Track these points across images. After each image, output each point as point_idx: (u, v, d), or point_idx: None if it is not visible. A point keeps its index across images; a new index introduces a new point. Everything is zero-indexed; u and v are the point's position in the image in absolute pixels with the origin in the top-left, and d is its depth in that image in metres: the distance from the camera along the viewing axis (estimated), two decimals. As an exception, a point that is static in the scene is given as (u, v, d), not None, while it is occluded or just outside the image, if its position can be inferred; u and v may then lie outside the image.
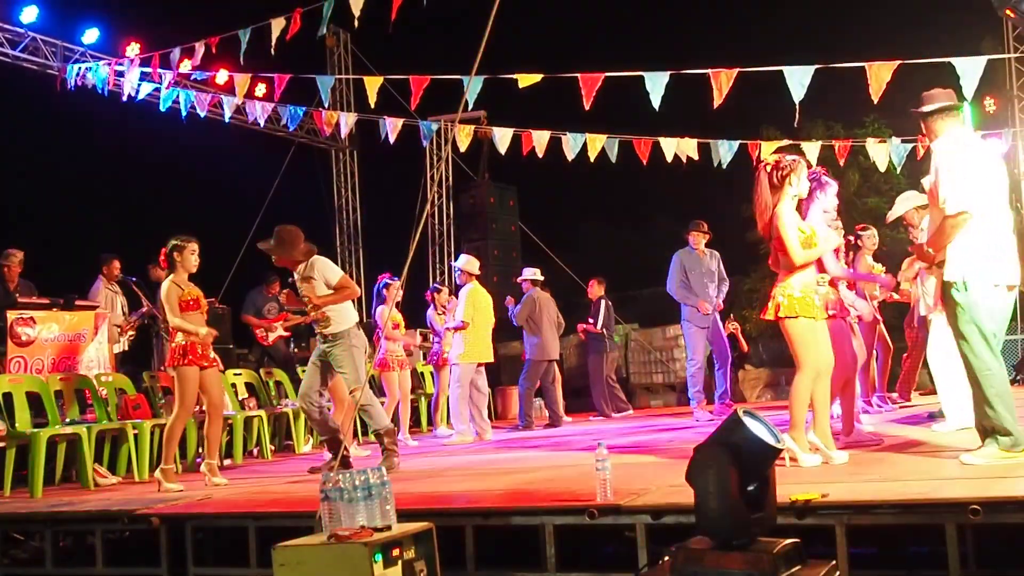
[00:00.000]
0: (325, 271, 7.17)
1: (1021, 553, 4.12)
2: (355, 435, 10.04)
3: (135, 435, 8.08)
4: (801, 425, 5.51)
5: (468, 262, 10.68)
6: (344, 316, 7.19)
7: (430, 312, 11.16)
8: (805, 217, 5.81)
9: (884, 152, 12.18)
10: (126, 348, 10.38)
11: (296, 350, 12.46)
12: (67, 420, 7.99)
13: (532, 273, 11.88)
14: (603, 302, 12.53)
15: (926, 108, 5.33)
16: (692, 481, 3.45)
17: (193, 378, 6.95)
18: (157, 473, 7.02)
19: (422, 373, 12.70)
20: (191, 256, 7.09)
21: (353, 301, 7.39)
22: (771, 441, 3.48)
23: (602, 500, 4.48)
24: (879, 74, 8.79)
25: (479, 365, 10.26)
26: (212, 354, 7.24)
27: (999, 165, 5.31)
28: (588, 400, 13.01)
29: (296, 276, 7.28)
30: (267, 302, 12.22)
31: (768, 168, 5.66)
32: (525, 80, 9.82)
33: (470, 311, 10.18)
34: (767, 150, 12.27)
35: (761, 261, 14.62)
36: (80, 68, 12.60)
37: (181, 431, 7.12)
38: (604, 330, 12.46)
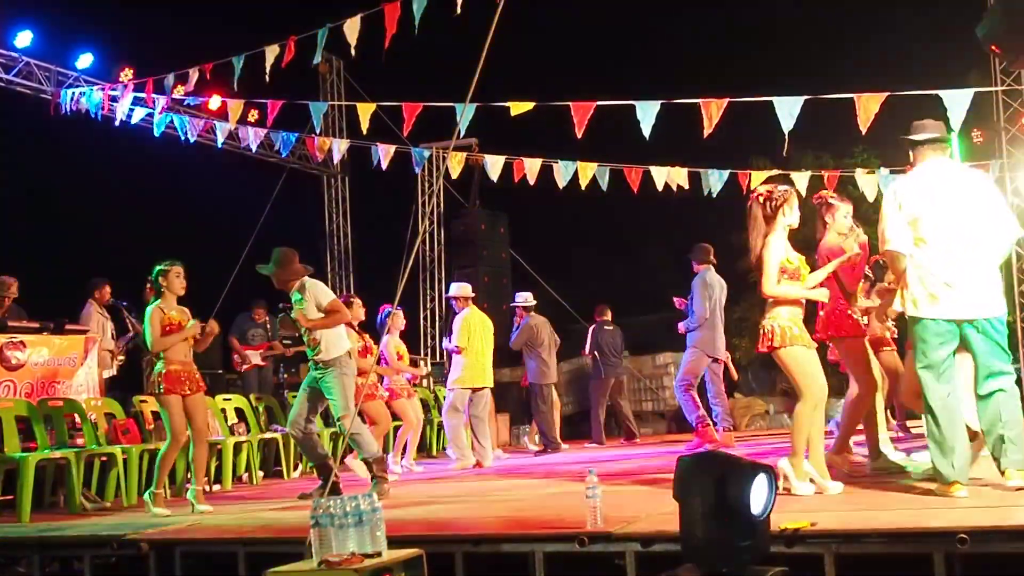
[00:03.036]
0: (317, 293, 7.17)
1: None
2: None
3: (124, 460, 8.05)
4: (800, 453, 5.46)
5: (460, 288, 10.54)
6: (336, 344, 7.16)
7: (385, 340, 9.73)
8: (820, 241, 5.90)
9: (872, 183, 12.27)
10: (115, 373, 10.34)
11: (287, 376, 12.37)
12: (56, 444, 7.96)
13: (523, 299, 11.84)
14: (591, 328, 12.52)
15: (914, 137, 5.37)
16: (680, 506, 3.46)
17: (175, 405, 6.92)
18: (145, 496, 7.01)
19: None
20: (176, 279, 7.05)
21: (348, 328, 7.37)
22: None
23: (592, 527, 4.48)
24: (868, 105, 8.90)
25: (475, 390, 10.06)
26: (196, 376, 7.14)
27: (959, 197, 5.12)
28: (580, 427, 13.04)
29: (291, 299, 7.30)
30: (252, 327, 12.17)
31: (761, 199, 5.66)
32: (517, 108, 9.88)
33: (464, 336, 10.12)
34: (757, 179, 12.37)
35: (748, 290, 14.66)
36: (74, 93, 12.61)
37: (173, 459, 7.10)
38: (594, 355, 12.43)
